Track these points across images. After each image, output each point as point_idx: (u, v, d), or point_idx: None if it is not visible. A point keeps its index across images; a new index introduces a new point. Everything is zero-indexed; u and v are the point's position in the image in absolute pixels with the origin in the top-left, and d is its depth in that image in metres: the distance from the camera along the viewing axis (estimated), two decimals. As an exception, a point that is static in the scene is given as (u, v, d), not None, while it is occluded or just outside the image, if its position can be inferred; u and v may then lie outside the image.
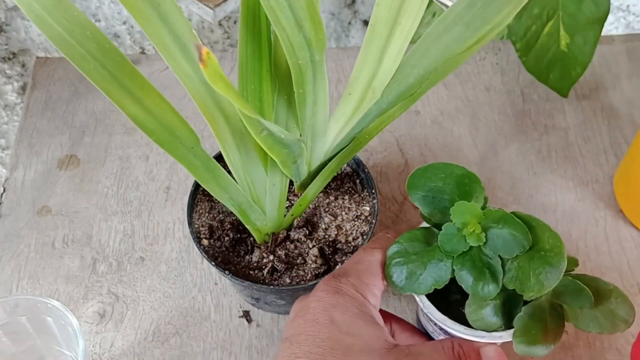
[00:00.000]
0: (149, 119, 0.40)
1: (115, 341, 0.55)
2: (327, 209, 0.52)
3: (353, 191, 0.53)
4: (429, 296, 0.43)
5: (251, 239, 0.51)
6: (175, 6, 0.36)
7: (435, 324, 0.45)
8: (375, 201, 0.51)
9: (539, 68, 0.65)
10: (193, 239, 0.49)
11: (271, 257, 0.49)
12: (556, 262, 0.39)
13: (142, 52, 0.80)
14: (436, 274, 0.41)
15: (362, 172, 0.53)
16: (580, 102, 0.68)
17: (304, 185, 0.48)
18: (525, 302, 0.42)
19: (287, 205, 0.51)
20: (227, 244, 0.50)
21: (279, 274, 0.49)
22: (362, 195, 0.53)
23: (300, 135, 0.45)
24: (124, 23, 0.77)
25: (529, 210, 0.61)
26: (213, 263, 0.48)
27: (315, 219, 0.51)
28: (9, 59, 0.77)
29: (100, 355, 0.54)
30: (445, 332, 0.45)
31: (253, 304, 0.56)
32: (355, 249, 0.49)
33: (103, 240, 0.60)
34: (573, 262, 0.43)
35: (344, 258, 0.49)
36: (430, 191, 0.44)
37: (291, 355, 0.38)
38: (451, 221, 0.42)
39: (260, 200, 0.48)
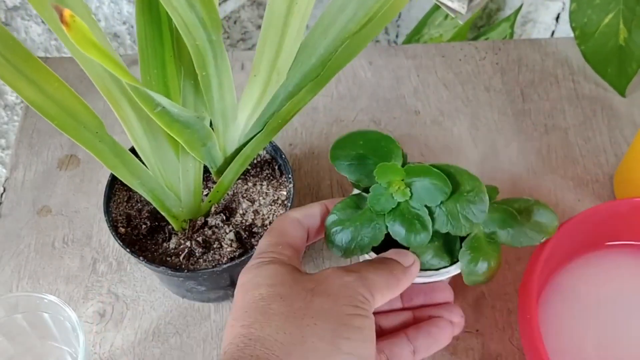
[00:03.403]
0: (48, 104, 0.39)
1: (115, 341, 0.55)
2: (245, 195, 0.52)
3: (271, 177, 0.54)
4: (375, 251, 0.46)
5: (169, 227, 0.51)
6: None
7: None
8: (291, 185, 0.52)
9: (596, 59, 0.63)
10: (109, 227, 0.49)
11: (188, 243, 0.50)
12: (479, 200, 0.43)
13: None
14: (372, 233, 0.44)
15: (280, 158, 0.54)
16: (580, 101, 0.69)
17: (221, 172, 0.49)
18: (462, 238, 0.45)
19: (206, 193, 0.52)
20: (144, 232, 0.51)
21: (195, 259, 0.50)
22: (280, 180, 0.53)
23: (211, 120, 0.45)
24: (124, 23, 0.77)
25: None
26: (128, 250, 0.48)
27: (234, 205, 0.52)
28: (9, 59, 0.77)
29: (100, 355, 0.54)
30: None
31: (184, 296, 0.56)
32: None
33: (103, 240, 0.60)
34: (494, 191, 0.47)
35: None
36: (354, 159, 0.46)
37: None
38: (377, 183, 0.44)
39: (174, 187, 0.48)
